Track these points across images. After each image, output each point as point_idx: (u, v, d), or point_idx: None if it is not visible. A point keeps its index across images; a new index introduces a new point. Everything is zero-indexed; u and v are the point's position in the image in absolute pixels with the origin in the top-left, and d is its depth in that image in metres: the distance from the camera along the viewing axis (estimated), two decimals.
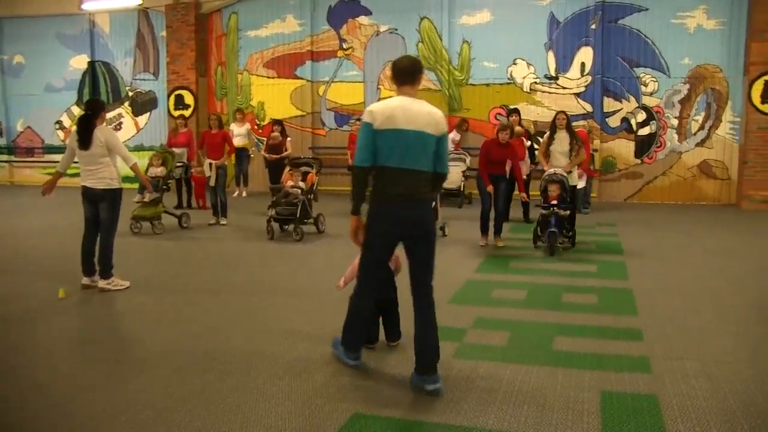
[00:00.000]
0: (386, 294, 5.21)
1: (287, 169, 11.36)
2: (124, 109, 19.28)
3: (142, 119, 19.14)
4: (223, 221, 12.07)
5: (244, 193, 16.46)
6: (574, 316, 6.30)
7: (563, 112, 10.05)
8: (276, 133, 13.23)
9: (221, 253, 9.60)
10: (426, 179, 4.64)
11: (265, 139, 17.57)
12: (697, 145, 14.98)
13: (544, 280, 7.76)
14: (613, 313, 6.43)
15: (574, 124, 15.07)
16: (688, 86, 14.91)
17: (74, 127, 7.40)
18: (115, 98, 19.25)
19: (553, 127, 9.91)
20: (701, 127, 14.92)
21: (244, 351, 5.31)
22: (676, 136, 15.08)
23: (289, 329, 5.87)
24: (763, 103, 13.97)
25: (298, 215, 10.52)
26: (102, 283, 7.31)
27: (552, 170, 9.70)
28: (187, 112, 17.49)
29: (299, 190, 10.70)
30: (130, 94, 19.13)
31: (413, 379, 4.58)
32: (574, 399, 4.36)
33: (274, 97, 17.74)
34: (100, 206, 7.30)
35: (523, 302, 6.85)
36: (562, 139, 9.77)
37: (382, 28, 16.74)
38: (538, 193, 9.77)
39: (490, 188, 9.76)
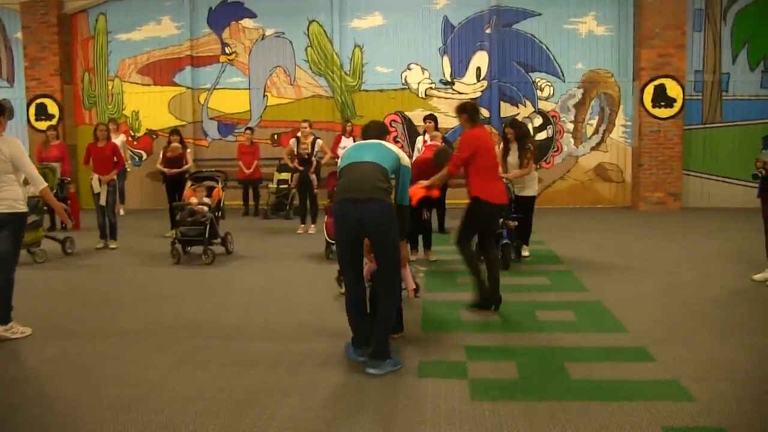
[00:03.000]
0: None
1: (189, 184, 10.22)
2: None
3: None
4: (113, 245, 10.70)
5: (121, 211, 14.96)
6: (564, 337, 5.76)
7: (511, 124, 9.40)
8: (176, 144, 11.78)
9: (125, 283, 8.30)
10: None
11: (140, 152, 16.25)
12: (593, 148, 15.13)
13: (506, 298, 7.18)
14: (600, 330, 5.95)
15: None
16: (582, 91, 15.04)
17: None
18: None
19: (506, 138, 9.34)
20: (596, 131, 15.09)
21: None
22: (572, 141, 15.15)
23: (255, 387, 4.92)
24: (654, 107, 14.24)
25: (207, 235, 9.44)
26: None
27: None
28: (49, 124, 15.67)
29: (206, 208, 9.62)
30: None
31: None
32: None
33: (151, 106, 16.28)
34: None
35: (501, 324, 6.22)
36: (514, 151, 9.22)
37: (268, 32, 15.77)
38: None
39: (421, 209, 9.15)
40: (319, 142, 11.92)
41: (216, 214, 9.73)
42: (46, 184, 6.24)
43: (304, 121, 12.25)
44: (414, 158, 10.95)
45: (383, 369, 4.85)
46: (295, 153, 11.73)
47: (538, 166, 9.76)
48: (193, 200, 9.77)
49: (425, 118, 11.52)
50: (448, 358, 5.28)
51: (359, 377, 4.84)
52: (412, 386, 4.68)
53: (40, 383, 4.96)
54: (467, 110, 6.64)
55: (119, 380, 4.92)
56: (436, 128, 11.54)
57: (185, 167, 11.77)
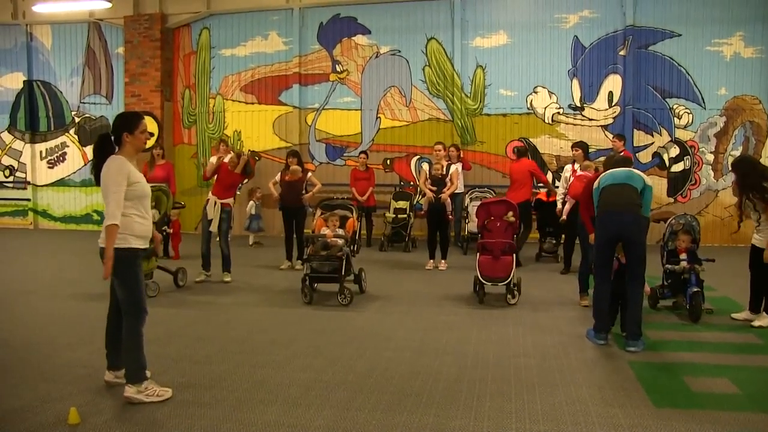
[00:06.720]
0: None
1: (318, 213, 9.17)
2: (69, 138, 16.52)
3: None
4: (227, 278, 9.78)
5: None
6: None
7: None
8: (296, 167, 10.87)
9: (258, 329, 7.16)
10: None
11: None
12: None
13: (724, 360, 6.05)
14: None
15: (597, 160, 13.92)
16: (724, 119, 13.77)
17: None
18: (58, 124, 16.52)
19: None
20: None
21: None
22: (711, 173, 13.87)
23: None
24: None
25: (343, 272, 8.40)
26: (130, 391, 4.89)
27: (683, 214, 8.14)
28: (150, 142, 14.99)
29: (341, 241, 8.58)
30: (77, 119, 16.40)
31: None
32: None
33: (254, 126, 15.49)
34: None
35: (748, 399, 5.06)
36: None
37: (383, 50, 14.87)
38: None
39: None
40: (454, 167, 11.01)
41: (351, 247, 8.72)
42: (113, 221, 4.83)
43: (438, 143, 11.46)
44: (561, 189, 10.11)
45: (640, 346, 6.24)
46: (428, 175, 10.87)
47: None
48: (327, 231, 8.75)
49: (573, 146, 10.43)
50: None
51: None
52: None
53: None
54: (518, 151, 11.76)
55: None
56: (587, 157, 10.41)
57: (314, 190, 10.96)
